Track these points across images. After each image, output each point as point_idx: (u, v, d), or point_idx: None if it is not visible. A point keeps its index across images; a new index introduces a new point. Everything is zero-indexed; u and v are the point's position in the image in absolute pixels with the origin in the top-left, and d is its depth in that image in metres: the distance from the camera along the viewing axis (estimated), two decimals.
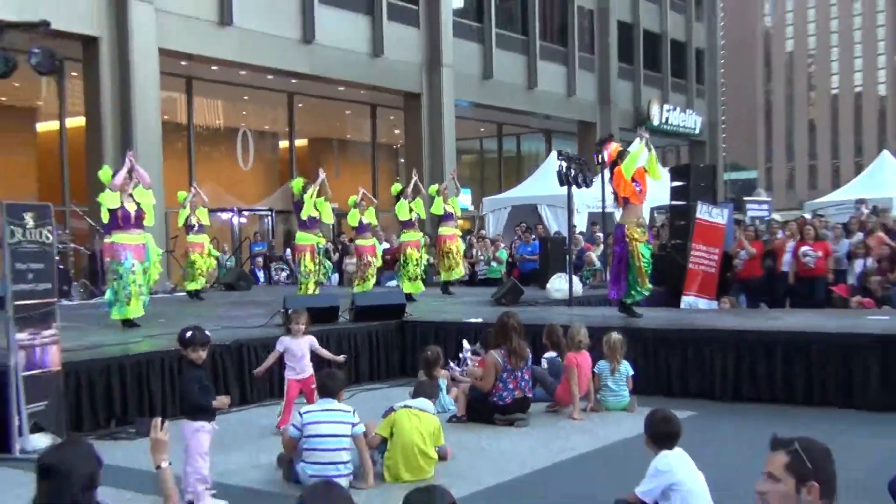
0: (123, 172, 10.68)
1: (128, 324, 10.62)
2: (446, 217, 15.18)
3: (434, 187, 15.73)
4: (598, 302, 14.23)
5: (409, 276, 14.47)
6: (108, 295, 14.14)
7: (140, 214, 10.69)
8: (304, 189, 13.45)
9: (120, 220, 10.56)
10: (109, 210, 10.59)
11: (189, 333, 5.96)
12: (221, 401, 5.94)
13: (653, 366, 9.47)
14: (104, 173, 11.11)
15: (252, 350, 9.36)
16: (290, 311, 8.48)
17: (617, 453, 7.06)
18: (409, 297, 14.16)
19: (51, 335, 7.44)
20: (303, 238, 13.50)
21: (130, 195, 10.70)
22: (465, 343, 9.41)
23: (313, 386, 7.57)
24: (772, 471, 2.79)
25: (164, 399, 8.43)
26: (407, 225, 14.70)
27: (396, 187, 15.08)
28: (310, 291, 13.16)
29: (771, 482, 2.78)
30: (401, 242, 14.92)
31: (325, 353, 8.27)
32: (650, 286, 10.74)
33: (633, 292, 10.64)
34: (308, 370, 7.92)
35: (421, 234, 15.03)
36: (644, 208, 11.26)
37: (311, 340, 8.10)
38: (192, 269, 15.52)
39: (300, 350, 7.95)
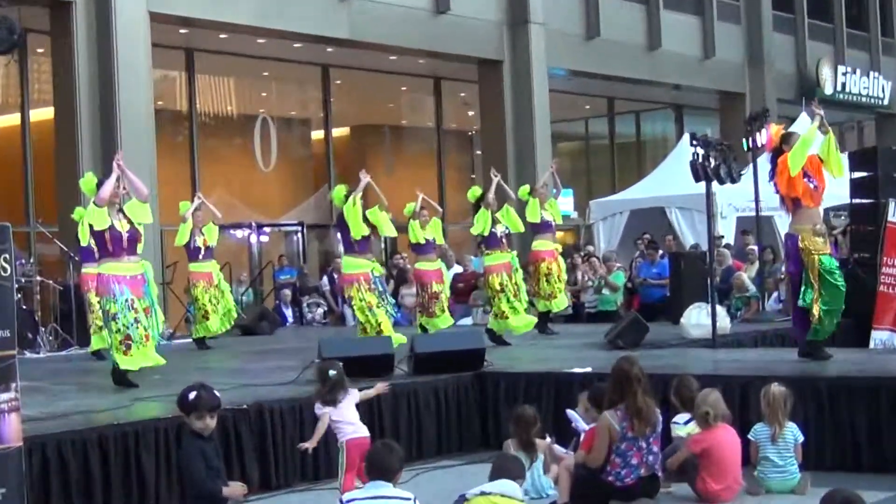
0: (112, 181, 10.84)
1: (122, 379, 10.73)
2: (544, 227, 15.14)
3: (526, 188, 15.71)
4: (753, 341, 14.03)
5: (498, 311, 14.48)
6: (95, 342, 14.43)
7: (134, 236, 10.85)
8: (347, 199, 13.54)
9: (109, 245, 10.70)
10: (94, 231, 10.75)
11: (193, 395, 6.04)
12: (235, 489, 5.96)
13: (831, 429, 9.30)
14: (87, 182, 11.31)
15: (278, 415, 9.40)
16: (327, 372, 8.55)
17: None
18: (497, 340, 14.15)
19: (9, 400, 7.53)
20: (352, 265, 13.57)
21: (121, 211, 10.86)
22: (573, 414, 9.19)
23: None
24: None
25: (158, 483, 8.48)
26: (492, 243, 14.65)
27: (474, 192, 15.05)
28: (385, 331, 13.21)
29: None
30: (485, 267, 14.92)
31: (365, 394, 8.58)
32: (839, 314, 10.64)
33: (818, 326, 10.53)
34: (364, 428, 8.16)
35: (511, 253, 14.94)
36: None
37: (352, 391, 8.30)
38: (196, 308, 15.69)
39: (350, 411, 8.16)
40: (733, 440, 8.24)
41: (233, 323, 16.60)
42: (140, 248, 11.08)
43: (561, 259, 15.65)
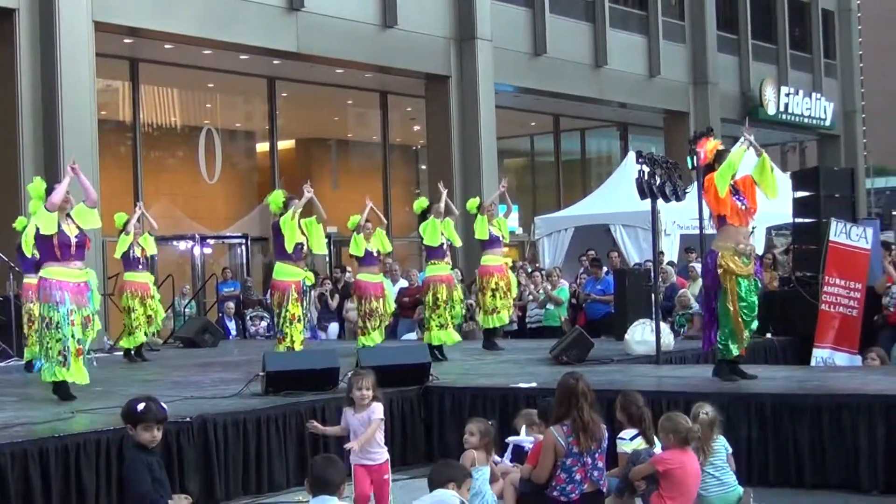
0: (65, 185, 10.75)
1: (62, 392, 10.61)
2: (491, 242, 15.15)
3: (474, 202, 15.71)
4: (696, 358, 14.11)
5: (439, 321, 14.42)
6: (28, 353, 14.29)
7: (83, 241, 10.76)
8: (286, 206, 13.43)
9: (56, 249, 10.58)
10: (40, 236, 10.62)
11: (141, 406, 5.99)
12: (179, 501, 5.92)
13: (774, 445, 9.36)
14: (35, 188, 11.16)
15: (222, 428, 9.33)
16: (350, 374, 8.50)
17: None
18: (440, 353, 14.14)
19: None
20: (285, 272, 13.47)
21: (68, 215, 10.77)
22: (515, 440, 9.19)
23: (386, 476, 7.65)
24: None
25: (98, 496, 8.39)
26: (435, 254, 14.63)
27: (421, 203, 15.05)
28: (296, 346, 13.13)
29: None
30: (426, 278, 14.89)
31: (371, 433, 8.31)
32: (748, 337, 10.63)
33: (722, 345, 10.56)
34: (380, 452, 8.08)
35: (451, 266, 15.01)
36: (757, 230, 11.18)
37: (372, 411, 8.11)
38: (129, 318, 15.55)
39: (360, 425, 8.06)
40: (696, 465, 8.25)
41: (157, 331, 16.53)
42: (87, 253, 10.99)
43: (511, 274, 15.67)
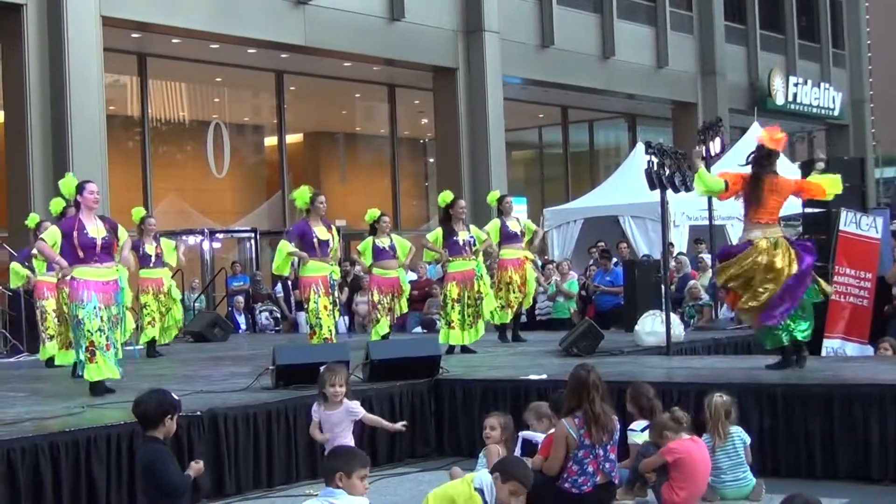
0: (56, 259, 10.73)
1: (98, 388, 10.61)
2: (509, 238, 15.07)
3: (495, 195, 15.67)
4: (707, 349, 14.06)
5: (447, 319, 14.39)
6: (43, 352, 14.36)
7: (110, 243, 10.74)
8: (312, 202, 13.42)
9: (80, 251, 10.56)
10: (64, 237, 10.60)
11: (176, 396, 6.19)
12: (196, 467, 6.03)
13: (785, 437, 9.32)
14: (66, 184, 11.11)
15: (232, 422, 9.31)
16: (322, 370, 8.49)
17: None
18: (465, 349, 14.15)
19: None
20: (311, 268, 13.44)
21: (100, 217, 10.86)
22: (526, 434, 9.17)
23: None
24: None
25: (108, 491, 8.38)
26: (453, 251, 14.49)
27: (445, 197, 14.87)
28: (332, 338, 13.17)
29: None
30: (446, 275, 14.82)
31: (375, 420, 8.43)
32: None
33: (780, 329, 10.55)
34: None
35: (475, 261, 14.76)
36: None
37: (352, 407, 8.15)
38: (144, 314, 15.56)
39: (337, 423, 8.05)
40: (705, 453, 8.24)
41: (176, 335, 16.53)
42: (117, 257, 10.99)
43: (530, 267, 15.50)
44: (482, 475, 7.16)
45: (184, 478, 6.34)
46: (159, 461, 6.18)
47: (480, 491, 7.04)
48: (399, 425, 8.65)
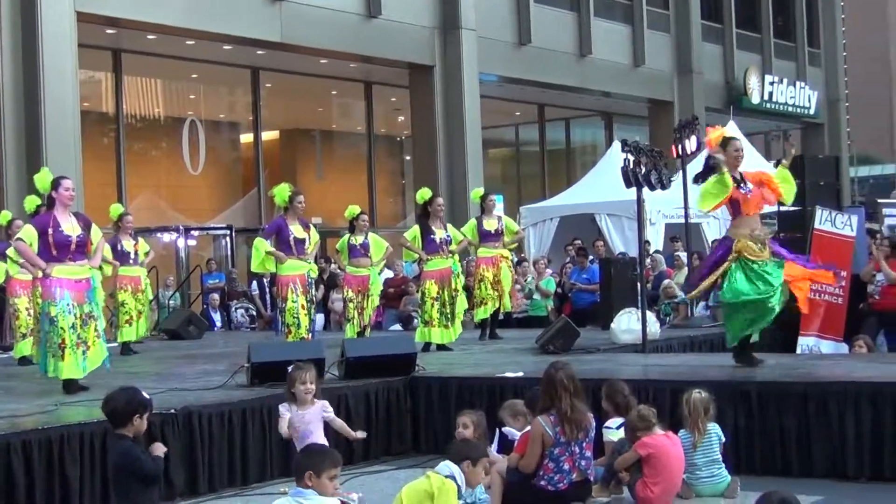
0: (33, 259, 10.65)
1: (71, 386, 10.54)
2: (485, 236, 15.09)
3: (478, 192, 15.68)
4: (682, 346, 14.10)
5: (424, 318, 14.39)
6: (17, 351, 14.28)
7: (84, 241, 10.68)
8: (293, 200, 13.37)
9: (53, 249, 10.50)
10: (40, 236, 10.53)
11: (147, 395, 6.18)
12: (158, 447, 6.26)
13: (760, 434, 9.35)
14: (41, 179, 11.02)
15: (207, 420, 9.28)
16: (290, 369, 8.46)
17: None
18: (442, 347, 14.15)
19: None
20: (288, 266, 13.40)
21: (73, 214, 10.77)
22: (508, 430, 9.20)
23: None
24: None
25: (82, 489, 8.34)
26: (428, 249, 14.48)
27: (423, 194, 14.83)
28: (306, 335, 13.15)
29: None
30: (423, 273, 14.82)
31: (341, 425, 8.41)
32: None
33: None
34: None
35: (452, 259, 14.74)
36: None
37: (323, 407, 8.15)
38: (122, 312, 15.50)
39: (310, 421, 8.04)
40: (679, 448, 8.26)
41: (147, 330, 16.48)
42: (96, 259, 10.94)
43: (505, 265, 15.47)
44: (447, 464, 7.25)
45: (156, 465, 6.41)
46: (131, 456, 6.20)
47: (451, 477, 7.13)
48: (359, 434, 8.63)
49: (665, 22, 35.04)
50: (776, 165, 11.85)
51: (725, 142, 10.72)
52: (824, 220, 13.65)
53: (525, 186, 35.15)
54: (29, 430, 8.37)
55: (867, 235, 15.64)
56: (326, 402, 8.22)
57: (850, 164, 49.82)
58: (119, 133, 24.66)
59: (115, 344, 15.51)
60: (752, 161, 12.26)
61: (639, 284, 14.89)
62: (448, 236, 14.52)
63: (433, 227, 14.41)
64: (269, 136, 28.65)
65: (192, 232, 25.80)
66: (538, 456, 7.89)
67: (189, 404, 9.43)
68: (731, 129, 19.77)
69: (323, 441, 8.04)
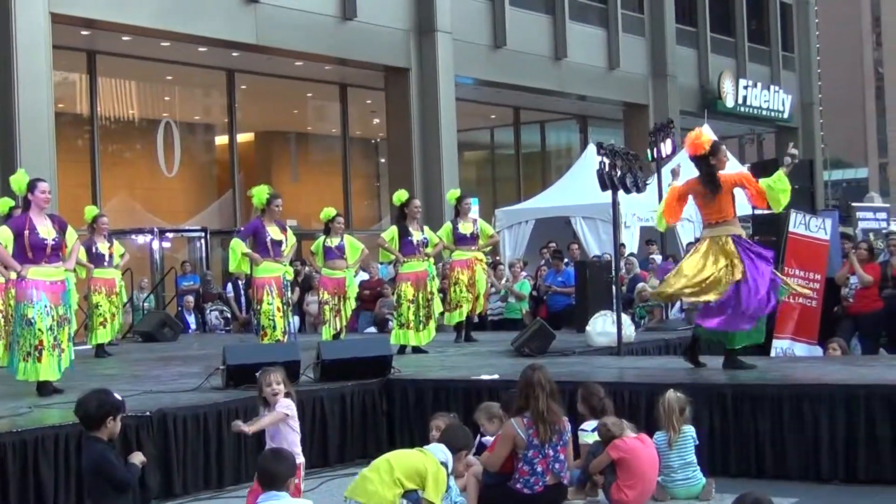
0: (9, 262, 10.60)
1: (45, 388, 10.47)
2: (459, 240, 15.09)
3: (454, 193, 15.67)
4: (658, 349, 14.12)
5: (399, 320, 14.36)
6: None
7: (59, 245, 10.63)
8: (270, 202, 13.33)
9: (29, 251, 10.44)
10: (15, 238, 10.47)
11: (120, 396, 6.15)
12: (137, 455, 6.19)
13: (735, 436, 9.37)
14: (17, 181, 10.95)
15: (182, 422, 9.26)
16: (258, 373, 8.42)
17: None
18: (417, 349, 14.15)
19: None
20: (264, 268, 13.36)
21: (49, 217, 10.71)
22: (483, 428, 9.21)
23: (297, 481, 7.47)
24: None
25: (56, 492, 8.31)
26: (406, 251, 14.45)
27: (400, 196, 14.81)
28: (282, 337, 13.13)
29: None
30: (398, 275, 14.80)
31: (265, 421, 8.12)
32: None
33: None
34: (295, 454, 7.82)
35: (427, 262, 14.71)
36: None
37: (281, 404, 8.01)
38: (96, 315, 15.42)
39: (278, 424, 7.99)
40: (652, 451, 8.28)
41: (119, 331, 16.42)
42: (71, 262, 10.92)
43: (479, 269, 15.45)
44: (442, 449, 7.39)
45: (130, 472, 6.40)
46: (104, 460, 6.20)
47: (444, 465, 7.22)
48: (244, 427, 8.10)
49: (640, 25, 35.16)
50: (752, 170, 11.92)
51: (716, 146, 10.74)
52: (798, 224, 13.68)
53: (500, 189, 35.19)
54: (3, 433, 8.33)
55: (841, 239, 15.69)
56: (284, 401, 8.11)
57: (824, 168, 50.09)
58: (94, 135, 24.57)
59: (89, 346, 15.47)
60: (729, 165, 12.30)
61: (614, 287, 14.93)
62: (424, 238, 14.52)
63: (410, 229, 14.41)
64: (244, 138, 28.59)
65: (167, 234, 25.71)
66: (504, 457, 7.92)
67: (164, 407, 9.40)
68: (706, 131, 19.84)
69: (295, 441, 8.02)
